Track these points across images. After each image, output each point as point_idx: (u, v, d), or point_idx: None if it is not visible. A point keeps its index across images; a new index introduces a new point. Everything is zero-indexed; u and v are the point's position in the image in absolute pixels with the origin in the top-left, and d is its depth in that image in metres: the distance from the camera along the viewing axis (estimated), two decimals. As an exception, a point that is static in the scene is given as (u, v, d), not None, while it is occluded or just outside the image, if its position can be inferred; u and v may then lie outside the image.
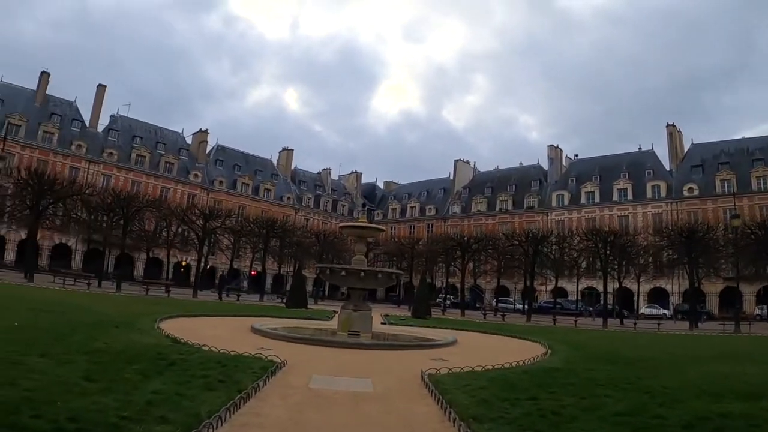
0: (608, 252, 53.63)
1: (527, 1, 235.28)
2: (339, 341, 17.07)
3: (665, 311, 67.60)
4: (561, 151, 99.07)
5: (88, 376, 8.00)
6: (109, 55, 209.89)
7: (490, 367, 11.79)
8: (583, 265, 64.68)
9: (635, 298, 66.05)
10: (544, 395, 9.03)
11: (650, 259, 61.80)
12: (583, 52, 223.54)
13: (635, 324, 44.72)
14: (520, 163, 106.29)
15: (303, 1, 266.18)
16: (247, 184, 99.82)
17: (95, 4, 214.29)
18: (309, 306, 45.01)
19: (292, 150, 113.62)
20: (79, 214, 58.56)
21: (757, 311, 62.98)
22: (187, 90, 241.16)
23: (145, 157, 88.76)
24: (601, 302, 58.70)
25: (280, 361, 10.86)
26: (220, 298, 45.76)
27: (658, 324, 44.51)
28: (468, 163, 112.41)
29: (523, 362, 13.54)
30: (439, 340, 19.37)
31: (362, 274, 19.12)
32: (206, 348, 12.11)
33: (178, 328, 16.97)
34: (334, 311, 34.30)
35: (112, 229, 56.18)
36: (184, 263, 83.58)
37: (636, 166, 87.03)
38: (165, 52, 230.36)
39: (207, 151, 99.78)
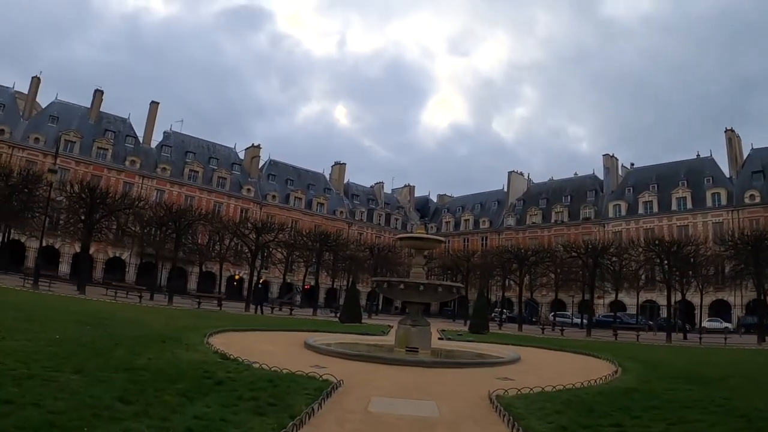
0: (671, 263, 52.02)
1: (571, 10, 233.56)
2: (398, 359, 16.17)
3: (728, 324, 64.83)
4: (617, 160, 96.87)
5: (124, 396, 7.25)
6: (160, 75, 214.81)
7: (561, 388, 10.82)
8: (643, 277, 63.05)
9: (696, 311, 63.93)
10: (629, 421, 8.08)
11: (711, 270, 60.04)
12: (630, 60, 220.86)
13: (700, 338, 42.95)
14: (575, 174, 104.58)
15: (348, 18, 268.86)
16: (300, 198, 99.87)
17: (146, 26, 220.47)
18: (363, 320, 44.24)
19: (345, 164, 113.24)
20: (131, 227, 58.85)
21: None
22: (238, 107, 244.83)
23: (198, 172, 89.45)
24: (662, 316, 57.01)
25: (336, 381, 10.01)
26: (247, 308, 45.34)
27: (725, 338, 42.81)
28: (522, 174, 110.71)
29: (595, 382, 12.51)
30: (502, 357, 18.35)
31: (421, 287, 18.08)
32: (257, 365, 11.37)
33: (227, 343, 16.31)
34: (389, 326, 33.78)
35: (164, 243, 56.32)
36: (237, 277, 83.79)
37: (694, 174, 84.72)
38: (215, 71, 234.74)
39: (259, 165, 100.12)
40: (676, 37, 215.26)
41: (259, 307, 47.63)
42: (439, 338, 27.97)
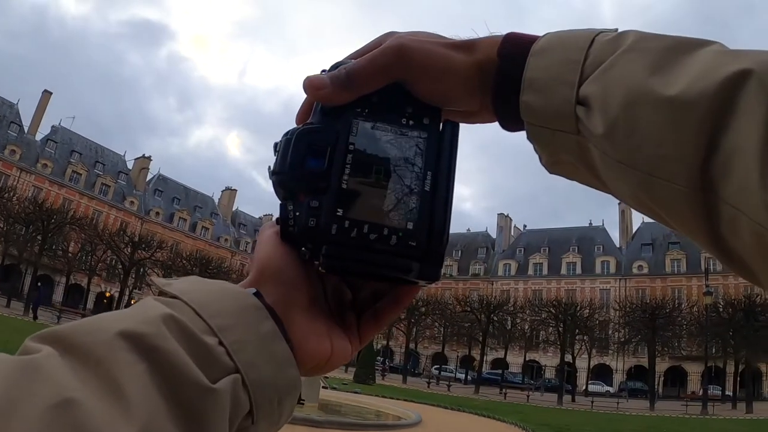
0: (566, 325, 52.47)
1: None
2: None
3: (609, 388, 66.87)
4: (510, 220, 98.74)
5: None
6: (59, 74, 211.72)
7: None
8: (535, 336, 63.42)
9: (578, 374, 64.47)
10: None
11: (601, 334, 61.52)
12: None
13: (592, 402, 42.43)
14: (468, 230, 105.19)
15: (253, 49, 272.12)
16: (185, 219, 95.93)
17: (54, 22, 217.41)
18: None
19: (235, 191, 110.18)
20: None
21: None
22: (130, 120, 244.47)
23: (81, 174, 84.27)
24: (545, 376, 60.76)
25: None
26: (26, 312, 40.71)
27: (617, 403, 43.30)
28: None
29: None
30: (404, 419, 15.98)
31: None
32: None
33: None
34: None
35: (31, 244, 51.70)
36: (108, 294, 78.62)
37: (586, 241, 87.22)
38: (114, 80, 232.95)
39: (147, 179, 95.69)
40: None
41: (34, 311, 41.11)
42: (323, 386, 25.34)
